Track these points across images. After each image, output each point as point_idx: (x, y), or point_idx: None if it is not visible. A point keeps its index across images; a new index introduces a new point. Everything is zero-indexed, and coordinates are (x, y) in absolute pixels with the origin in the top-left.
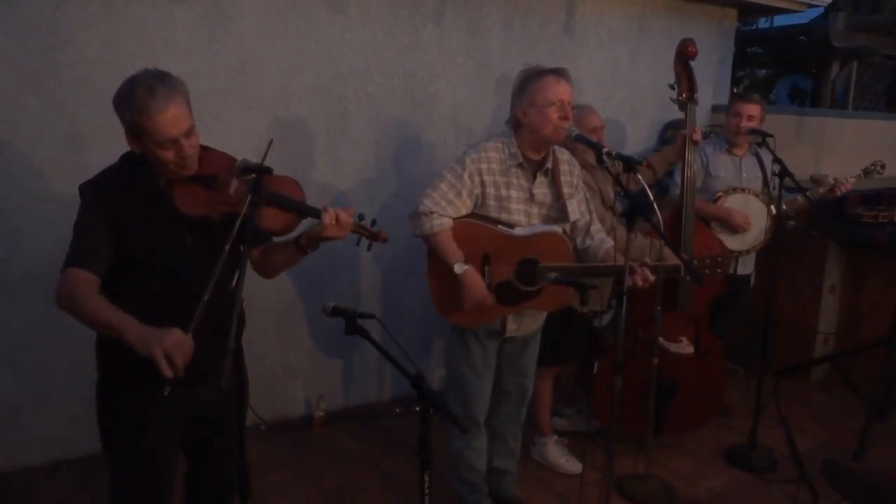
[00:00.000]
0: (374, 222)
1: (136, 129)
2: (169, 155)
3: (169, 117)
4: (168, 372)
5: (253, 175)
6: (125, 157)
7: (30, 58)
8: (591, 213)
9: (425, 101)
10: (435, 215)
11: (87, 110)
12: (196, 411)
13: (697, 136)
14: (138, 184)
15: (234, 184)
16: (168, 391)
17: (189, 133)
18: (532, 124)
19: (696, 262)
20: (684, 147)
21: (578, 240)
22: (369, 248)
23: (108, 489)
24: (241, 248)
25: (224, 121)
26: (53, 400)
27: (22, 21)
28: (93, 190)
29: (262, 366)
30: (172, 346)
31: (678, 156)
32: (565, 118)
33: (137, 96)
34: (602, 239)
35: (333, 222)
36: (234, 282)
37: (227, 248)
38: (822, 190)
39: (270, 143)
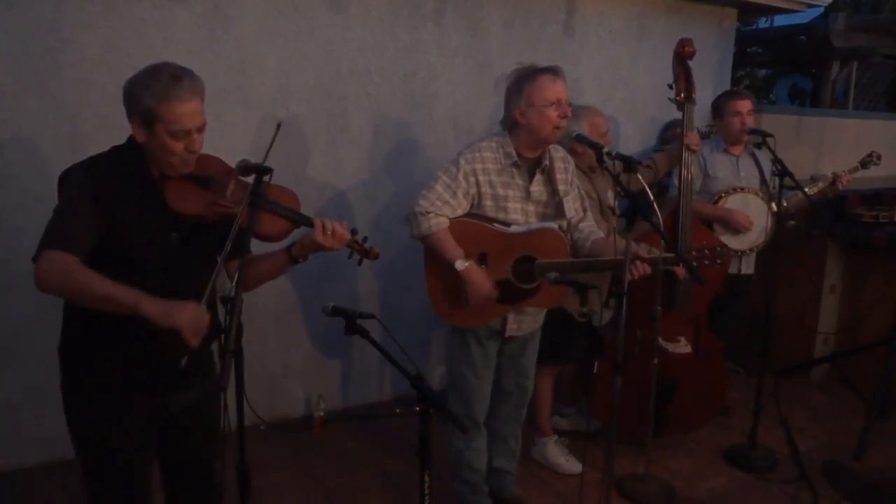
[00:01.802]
0: (365, 239)
1: (150, 116)
2: (178, 146)
3: (190, 108)
4: (195, 343)
5: (253, 175)
6: (116, 149)
7: (30, 58)
8: (584, 210)
9: (425, 101)
10: (431, 215)
11: (87, 110)
12: (166, 418)
13: (695, 147)
14: (132, 173)
15: (231, 186)
16: (185, 361)
17: (201, 129)
18: (531, 124)
19: (694, 252)
20: (681, 152)
21: (573, 236)
22: (360, 262)
23: (85, 497)
24: (224, 254)
25: (224, 121)
26: (53, 400)
27: (22, 21)
28: (86, 172)
29: (262, 366)
30: (196, 318)
31: (679, 157)
32: (564, 116)
33: (163, 82)
34: (591, 231)
35: (321, 230)
36: (234, 284)
37: (221, 251)
38: (821, 185)
39: (279, 126)
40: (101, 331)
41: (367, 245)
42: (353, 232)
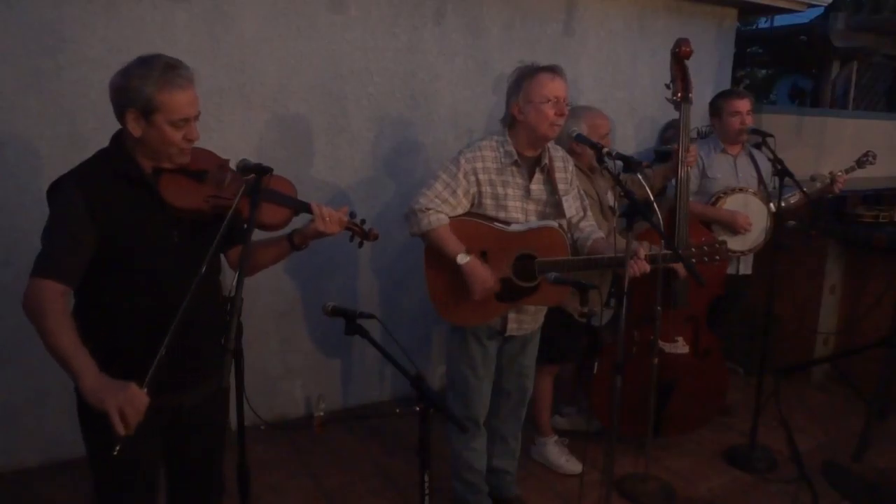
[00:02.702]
0: (363, 221)
1: (150, 107)
2: (178, 136)
3: (189, 96)
4: (121, 430)
5: (253, 175)
6: (103, 152)
7: (30, 58)
8: (585, 210)
9: (425, 101)
10: (431, 211)
11: (87, 110)
12: (172, 418)
13: (691, 161)
14: (124, 175)
15: (227, 179)
16: (118, 450)
17: (197, 118)
18: (528, 121)
19: (693, 249)
20: (678, 162)
21: (574, 235)
22: (360, 244)
23: (92, 495)
24: (213, 247)
25: (224, 121)
26: (53, 400)
27: (22, 21)
28: (76, 185)
29: (262, 366)
30: (126, 403)
31: (675, 171)
32: (560, 114)
33: (161, 72)
34: (592, 231)
35: (320, 218)
36: (234, 283)
37: (212, 247)
38: (818, 185)
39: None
40: (111, 334)
41: (365, 227)
42: (352, 215)
